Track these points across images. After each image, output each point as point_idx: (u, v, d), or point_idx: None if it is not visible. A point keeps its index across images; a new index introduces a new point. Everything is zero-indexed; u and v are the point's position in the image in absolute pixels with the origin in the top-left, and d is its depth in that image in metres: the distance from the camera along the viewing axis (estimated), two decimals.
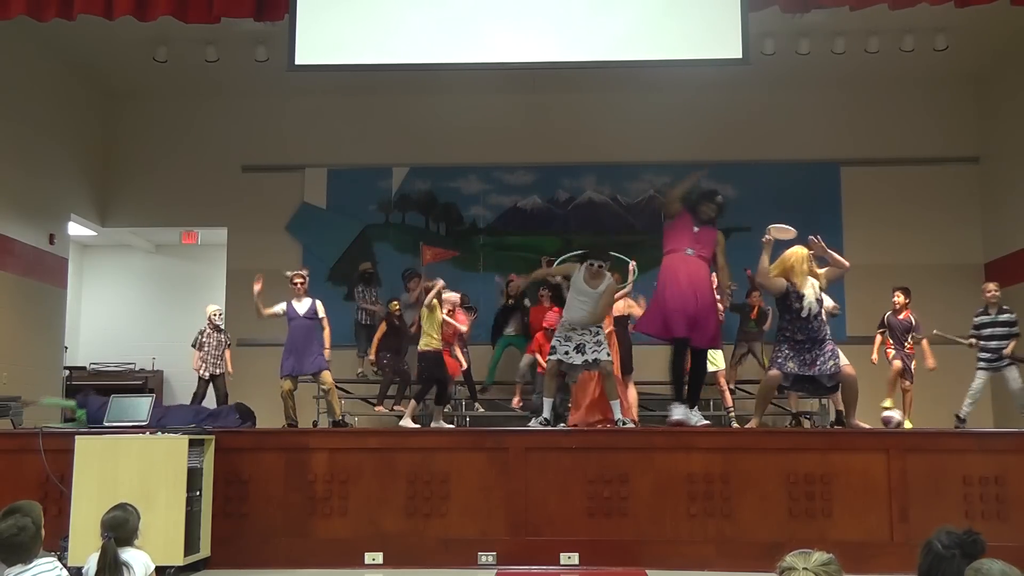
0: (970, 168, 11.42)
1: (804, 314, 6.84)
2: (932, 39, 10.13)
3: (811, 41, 10.13)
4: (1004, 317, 8.07)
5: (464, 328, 9.43)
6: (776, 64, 10.15)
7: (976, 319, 8.20)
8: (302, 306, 8.10)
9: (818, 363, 6.89)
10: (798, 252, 6.99)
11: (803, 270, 6.95)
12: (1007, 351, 8.00)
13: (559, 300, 8.97)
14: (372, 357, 9.59)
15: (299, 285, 8.15)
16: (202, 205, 11.81)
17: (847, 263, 7.14)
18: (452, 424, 8.48)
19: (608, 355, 7.43)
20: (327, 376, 8.01)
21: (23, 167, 10.11)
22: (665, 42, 7.76)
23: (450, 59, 7.91)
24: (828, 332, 7.02)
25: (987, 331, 8.11)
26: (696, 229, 7.29)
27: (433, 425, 7.99)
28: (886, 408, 8.19)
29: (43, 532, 3.53)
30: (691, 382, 7.43)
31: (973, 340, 8.18)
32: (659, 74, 10.27)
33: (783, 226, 7.03)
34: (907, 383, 8.64)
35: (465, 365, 9.60)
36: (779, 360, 6.98)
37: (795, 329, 6.91)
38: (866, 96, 11.42)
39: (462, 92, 11.30)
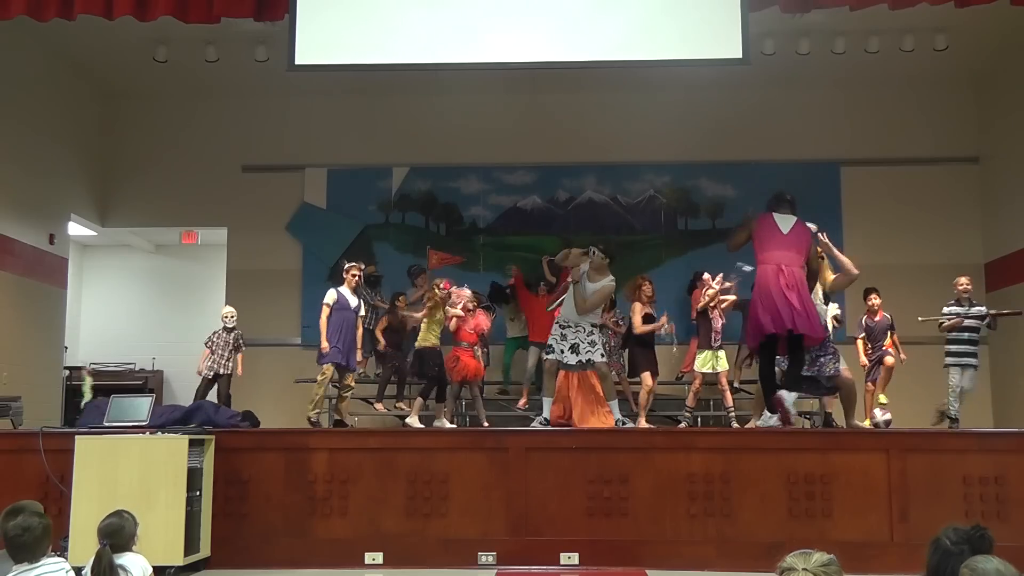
0: (970, 168, 11.42)
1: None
2: (932, 39, 10.12)
3: (811, 41, 10.13)
4: (975, 311, 8.01)
5: (486, 328, 9.40)
6: (776, 64, 10.15)
7: (947, 309, 8.07)
8: (353, 300, 8.03)
9: (819, 363, 6.89)
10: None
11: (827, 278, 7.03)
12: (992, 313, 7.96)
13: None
14: (381, 336, 9.45)
15: (357, 278, 8.06)
16: (202, 205, 11.80)
17: (855, 270, 7.05)
18: (454, 424, 8.46)
19: (603, 356, 7.45)
20: (351, 379, 8.01)
21: (23, 167, 10.11)
22: (665, 42, 7.76)
23: (450, 59, 7.91)
24: (829, 334, 7.03)
25: (963, 323, 7.97)
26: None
27: (436, 424, 7.99)
28: (881, 404, 8.17)
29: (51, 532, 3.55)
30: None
31: (946, 321, 8.06)
32: (659, 74, 10.27)
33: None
34: (890, 360, 8.57)
35: (484, 367, 9.33)
36: (781, 361, 6.99)
37: None
38: (866, 96, 11.42)
39: (462, 92, 11.30)
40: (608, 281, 7.52)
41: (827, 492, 6.53)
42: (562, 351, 7.37)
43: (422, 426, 7.91)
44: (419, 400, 8.11)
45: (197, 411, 7.29)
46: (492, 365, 10.06)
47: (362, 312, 8.17)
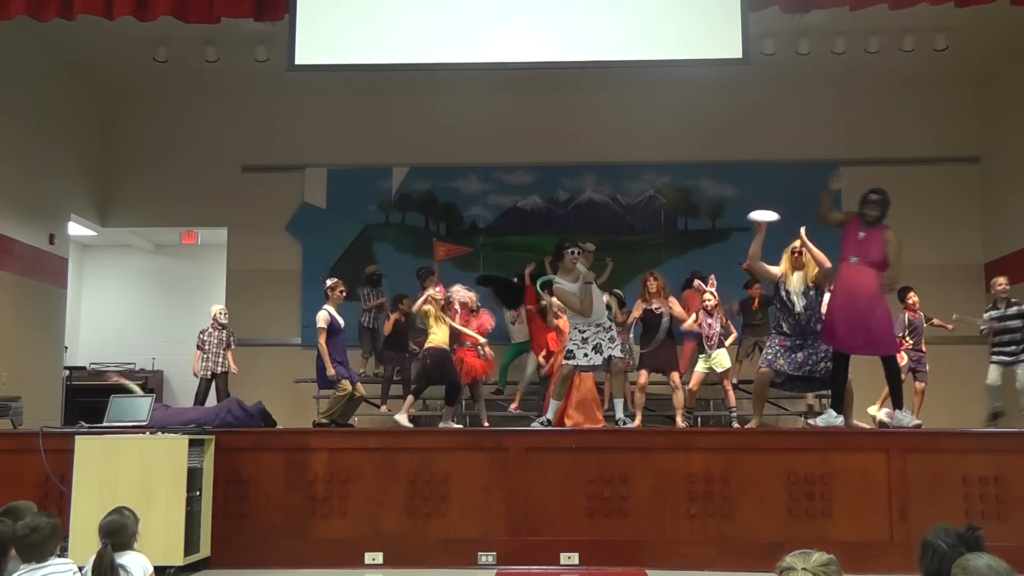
0: (970, 168, 11.42)
1: (795, 309, 6.90)
2: (932, 39, 10.13)
3: (811, 41, 10.14)
4: (1013, 310, 8.03)
5: (490, 328, 9.37)
6: (776, 64, 10.16)
7: (986, 314, 8.16)
8: (340, 319, 7.95)
9: (810, 363, 6.90)
10: (788, 247, 7.04)
11: (787, 263, 7.02)
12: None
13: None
14: (389, 327, 9.46)
15: (344, 294, 8.05)
16: (202, 205, 11.82)
17: (827, 263, 6.99)
18: (460, 425, 8.43)
19: (621, 352, 7.44)
20: (362, 388, 8.10)
21: (23, 167, 10.11)
22: (665, 42, 7.76)
23: (450, 59, 7.92)
24: (817, 345, 7.01)
25: (998, 325, 8.05)
26: (862, 234, 6.96)
27: (441, 425, 7.96)
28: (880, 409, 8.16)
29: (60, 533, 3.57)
30: (890, 386, 7.16)
31: (985, 327, 8.11)
32: (659, 74, 10.27)
33: (764, 212, 7.01)
34: (921, 384, 8.56)
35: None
36: (768, 357, 7.03)
37: (782, 322, 7.00)
38: (866, 96, 11.42)
39: (462, 92, 11.30)
40: (581, 280, 7.48)
41: (827, 492, 6.52)
42: (585, 354, 7.33)
43: (411, 425, 7.89)
44: (410, 398, 8.08)
45: (223, 410, 7.39)
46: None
47: (342, 324, 8.04)
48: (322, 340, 7.74)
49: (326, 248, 11.64)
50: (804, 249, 7.03)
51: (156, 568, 4.03)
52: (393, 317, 9.47)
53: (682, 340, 9.26)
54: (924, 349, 8.62)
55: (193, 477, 6.27)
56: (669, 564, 6.44)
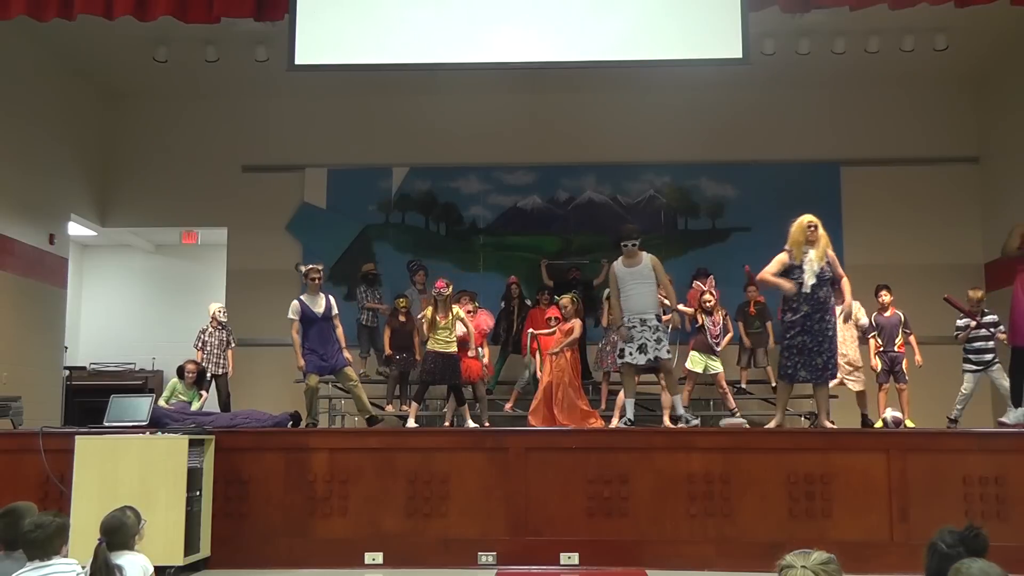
0: (970, 168, 11.42)
1: (803, 288, 6.76)
2: (932, 39, 10.13)
3: (811, 41, 10.13)
4: (987, 319, 8.05)
5: (487, 328, 9.35)
6: (776, 64, 10.15)
7: (960, 322, 8.15)
8: (318, 305, 7.70)
9: (831, 365, 6.89)
10: (800, 220, 6.91)
11: (799, 239, 6.85)
12: (1000, 336, 7.95)
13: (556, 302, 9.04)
14: (389, 352, 9.50)
15: (316, 281, 7.75)
16: (202, 205, 11.82)
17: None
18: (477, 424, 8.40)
19: (668, 352, 7.42)
20: (351, 371, 7.81)
21: (23, 167, 10.11)
22: (665, 42, 7.78)
23: (450, 59, 7.93)
24: (833, 324, 6.97)
25: (972, 333, 8.06)
26: None
27: (468, 426, 7.96)
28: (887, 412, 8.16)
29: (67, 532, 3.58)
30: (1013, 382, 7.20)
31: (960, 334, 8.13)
32: (659, 74, 10.27)
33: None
34: (901, 384, 8.58)
35: (486, 366, 9.16)
36: (788, 371, 6.96)
37: (789, 314, 6.84)
38: (866, 96, 11.42)
39: (462, 92, 11.30)
40: (651, 258, 7.53)
41: (827, 492, 6.53)
42: (630, 352, 7.32)
43: (416, 425, 7.91)
44: (414, 405, 8.10)
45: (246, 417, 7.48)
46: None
47: (334, 310, 7.78)
48: (293, 331, 7.66)
49: (326, 248, 11.63)
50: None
51: (156, 568, 4.01)
52: (387, 336, 9.48)
53: (688, 340, 9.27)
54: (901, 350, 8.59)
55: (193, 477, 6.27)
56: (669, 564, 6.44)
